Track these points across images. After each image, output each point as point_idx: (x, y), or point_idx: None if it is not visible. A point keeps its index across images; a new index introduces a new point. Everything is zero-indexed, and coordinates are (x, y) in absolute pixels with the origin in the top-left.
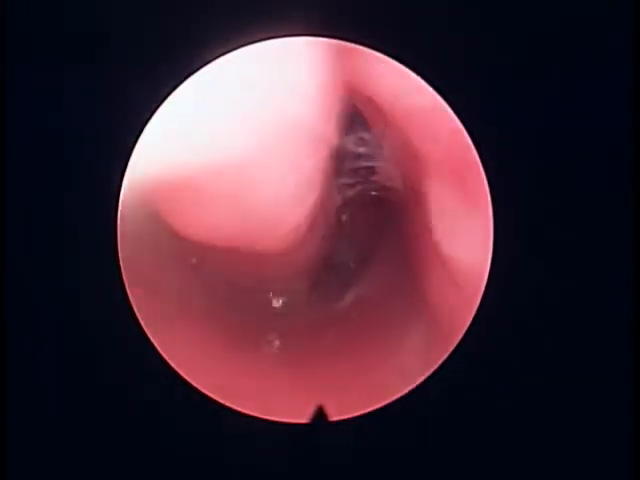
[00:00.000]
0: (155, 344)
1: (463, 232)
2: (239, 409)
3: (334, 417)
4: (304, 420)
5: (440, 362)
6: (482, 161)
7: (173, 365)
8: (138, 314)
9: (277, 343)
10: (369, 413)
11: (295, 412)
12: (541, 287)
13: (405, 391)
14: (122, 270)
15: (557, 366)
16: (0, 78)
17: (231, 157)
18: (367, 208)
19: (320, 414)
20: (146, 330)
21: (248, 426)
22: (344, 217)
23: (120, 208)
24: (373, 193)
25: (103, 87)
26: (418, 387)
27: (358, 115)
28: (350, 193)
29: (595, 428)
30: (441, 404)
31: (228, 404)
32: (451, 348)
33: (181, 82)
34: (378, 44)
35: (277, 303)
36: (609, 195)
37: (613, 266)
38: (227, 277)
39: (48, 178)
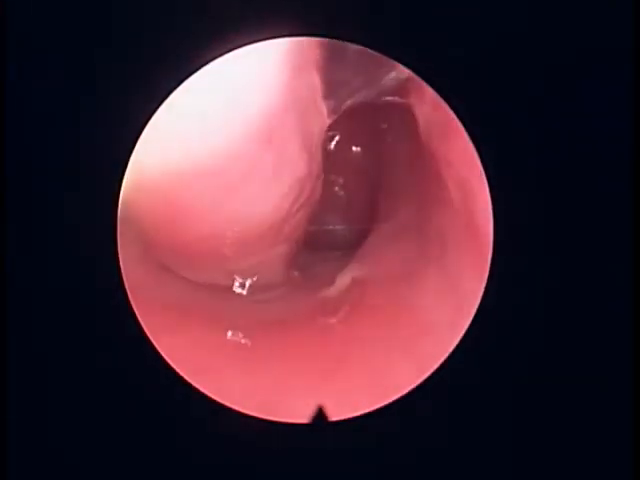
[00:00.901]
0: (155, 344)
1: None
2: (239, 409)
3: (334, 417)
4: (304, 420)
5: (440, 361)
6: (482, 161)
7: (173, 365)
8: (138, 313)
9: (247, 343)
10: (369, 413)
11: (295, 412)
12: (540, 287)
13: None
14: (122, 271)
15: (557, 366)
16: (0, 78)
17: None
18: (369, 132)
19: (320, 414)
20: (146, 331)
21: (248, 426)
22: (332, 150)
23: (120, 207)
24: (386, 98)
25: (103, 87)
26: (418, 387)
27: None
28: (346, 102)
29: (595, 428)
30: (441, 404)
31: (228, 404)
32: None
33: (181, 81)
34: (378, 45)
35: (242, 289)
36: (609, 195)
37: (613, 266)
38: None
39: (48, 178)
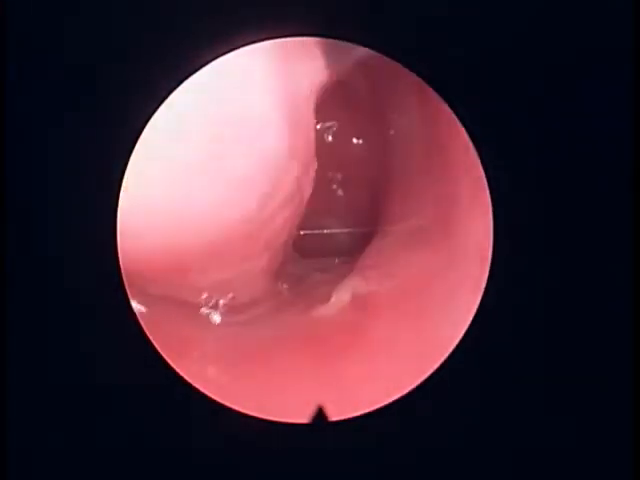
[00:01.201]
0: (155, 344)
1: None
2: (239, 409)
3: (334, 417)
4: (304, 420)
5: (440, 362)
6: (482, 161)
7: (173, 365)
8: (138, 313)
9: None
10: (369, 413)
11: (295, 412)
12: (540, 287)
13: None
14: (122, 272)
15: (557, 366)
16: (0, 78)
17: None
18: (373, 118)
19: (320, 414)
20: (146, 330)
21: (248, 426)
22: (330, 142)
23: (120, 207)
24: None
25: (103, 87)
26: (418, 387)
27: None
28: (345, 59)
29: (595, 428)
30: (441, 404)
31: (228, 404)
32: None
33: (181, 81)
34: (378, 44)
35: (214, 313)
36: (609, 195)
37: (613, 266)
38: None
39: (48, 178)
